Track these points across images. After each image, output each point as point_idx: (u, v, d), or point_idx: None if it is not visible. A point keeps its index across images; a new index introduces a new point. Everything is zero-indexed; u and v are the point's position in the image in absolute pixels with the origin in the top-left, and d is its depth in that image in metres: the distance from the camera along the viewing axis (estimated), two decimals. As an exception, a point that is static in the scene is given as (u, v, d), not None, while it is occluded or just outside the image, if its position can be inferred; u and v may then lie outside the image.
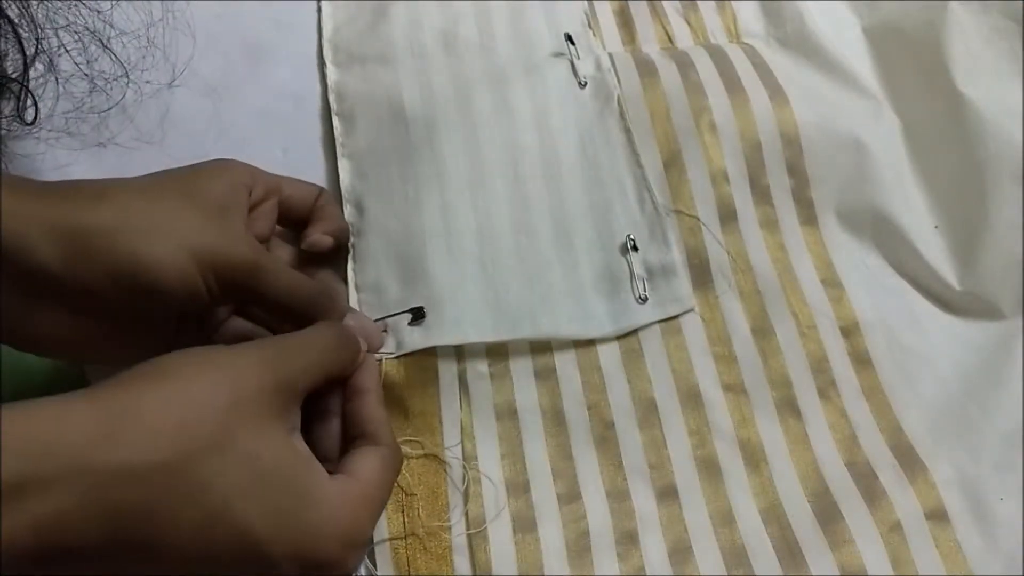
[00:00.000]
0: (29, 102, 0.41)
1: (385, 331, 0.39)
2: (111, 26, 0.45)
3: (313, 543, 0.28)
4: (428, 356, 0.40)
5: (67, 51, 0.43)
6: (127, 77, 0.45)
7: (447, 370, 0.40)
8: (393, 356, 0.39)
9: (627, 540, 0.37)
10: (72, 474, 0.24)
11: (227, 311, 0.37)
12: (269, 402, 0.29)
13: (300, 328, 0.35)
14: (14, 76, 0.40)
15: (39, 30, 0.42)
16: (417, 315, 0.40)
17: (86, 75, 0.44)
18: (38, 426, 0.24)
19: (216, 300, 0.33)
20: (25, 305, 0.31)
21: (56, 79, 0.43)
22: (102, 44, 0.44)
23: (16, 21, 0.40)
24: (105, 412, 0.25)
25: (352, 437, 0.33)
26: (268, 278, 0.34)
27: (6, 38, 0.39)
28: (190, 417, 0.27)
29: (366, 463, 0.32)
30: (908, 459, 0.40)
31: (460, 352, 0.40)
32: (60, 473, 0.24)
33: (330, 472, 0.31)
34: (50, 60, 0.42)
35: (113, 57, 0.44)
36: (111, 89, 0.45)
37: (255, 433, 0.28)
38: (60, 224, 0.30)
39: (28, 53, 0.40)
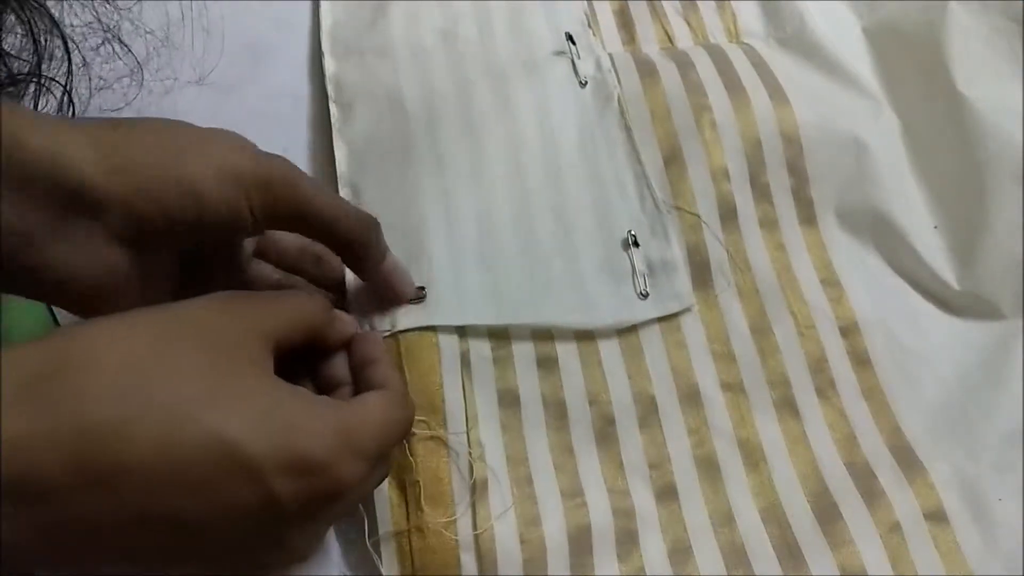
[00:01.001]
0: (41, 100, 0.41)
1: (422, 289, 0.39)
2: (137, 24, 0.45)
3: (299, 438, 0.26)
4: (429, 335, 0.38)
5: (95, 48, 0.43)
6: (142, 75, 0.45)
7: (449, 349, 0.38)
8: (387, 333, 0.38)
9: (627, 540, 0.37)
10: (18, 402, 0.24)
11: (250, 245, 0.37)
12: (224, 336, 0.28)
13: (343, 254, 0.35)
14: (50, 76, 0.40)
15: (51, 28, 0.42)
16: (416, 295, 0.39)
17: (103, 77, 0.44)
18: None
19: (257, 225, 0.32)
20: (57, 231, 0.29)
21: (70, 77, 0.43)
22: (120, 42, 0.44)
23: (53, 21, 0.39)
24: (50, 345, 0.25)
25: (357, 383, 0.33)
26: (310, 196, 0.33)
27: (43, 36, 0.39)
28: (136, 341, 0.26)
29: (366, 396, 0.31)
30: (907, 459, 0.40)
31: (462, 332, 0.39)
32: (6, 402, 0.23)
33: None
34: (71, 59, 0.42)
35: (133, 56, 0.45)
36: (117, 88, 0.45)
37: (211, 356, 0.27)
38: (103, 141, 0.29)
39: (50, 50, 0.40)
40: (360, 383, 0.33)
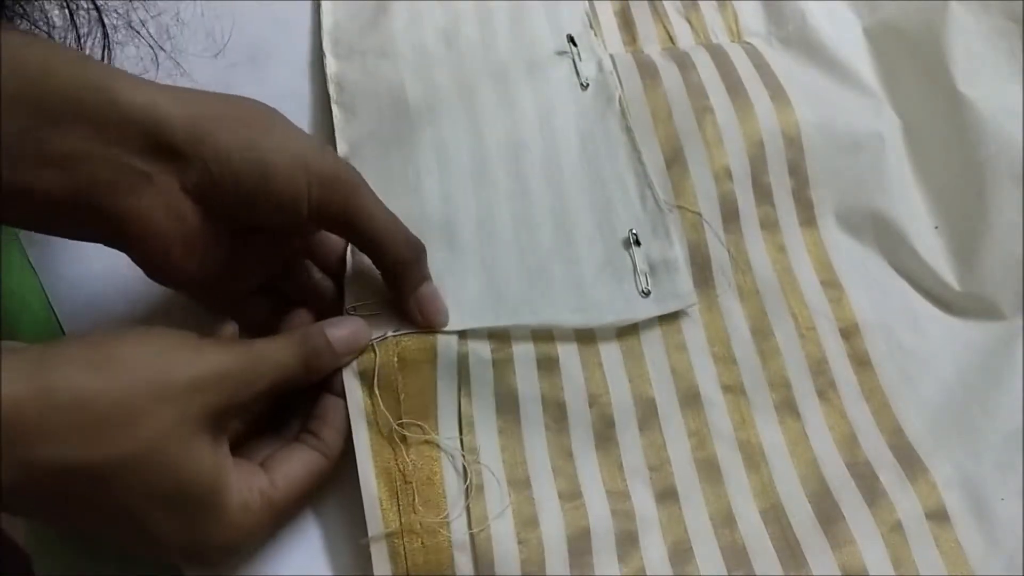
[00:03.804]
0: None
1: None
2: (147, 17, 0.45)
3: (201, 545, 0.31)
4: (427, 338, 0.38)
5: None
6: (157, 68, 0.45)
7: (447, 354, 0.38)
8: (382, 338, 0.38)
9: (627, 541, 0.37)
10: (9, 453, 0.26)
11: (299, 241, 0.39)
12: (205, 419, 0.30)
13: (385, 269, 0.37)
14: None
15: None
16: None
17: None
18: None
19: (311, 217, 0.34)
20: (142, 181, 0.31)
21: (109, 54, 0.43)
22: (136, 32, 0.43)
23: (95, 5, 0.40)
24: (41, 401, 0.27)
25: (306, 428, 0.35)
26: (367, 204, 0.35)
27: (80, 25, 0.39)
28: (122, 423, 0.28)
29: (291, 466, 0.34)
30: (908, 459, 0.40)
31: (462, 334, 0.39)
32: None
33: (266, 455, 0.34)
34: (108, 42, 0.42)
35: (149, 48, 0.45)
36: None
37: (182, 447, 0.30)
38: (193, 104, 0.32)
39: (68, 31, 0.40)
40: (311, 419, 0.36)
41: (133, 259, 0.34)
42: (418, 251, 0.37)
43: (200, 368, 0.30)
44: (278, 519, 0.34)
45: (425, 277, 0.38)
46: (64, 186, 0.30)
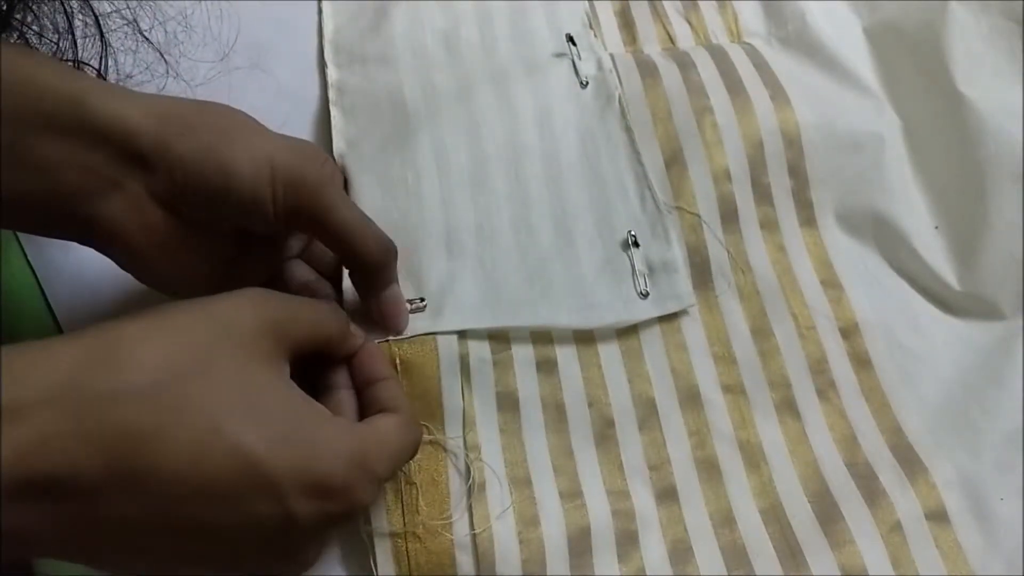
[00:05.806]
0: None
1: (422, 300, 0.39)
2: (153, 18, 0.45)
3: (315, 458, 0.28)
4: (428, 339, 0.38)
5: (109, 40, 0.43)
6: (166, 68, 0.45)
7: (448, 355, 0.38)
8: (386, 340, 0.38)
9: (627, 541, 0.37)
10: (53, 398, 0.24)
11: (296, 245, 0.39)
12: (255, 341, 0.29)
13: (354, 268, 0.37)
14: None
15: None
16: (416, 306, 0.39)
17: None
18: (16, 358, 0.25)
19: (279, 217, 0.34)
20: (113, 187, 0.32)
21: (104, 61, 0.43)
22: (141, 34, 0.44)
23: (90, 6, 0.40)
24: (89, 343, 0.26)
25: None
26: (335, 202, 0.34)
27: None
28: (173, 343, 0.27)
29: (379, 419, 0.32)
30: (908, 459, 0.40)
31: (462, 335, 0.39)
32: (40, 397, 0.24)
33: None
34: (104, 42, 0.42)
35: (153, 49, 0.45)
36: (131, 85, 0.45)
37: (243, 364, 0.28)
38: (161, 111, 0.32)
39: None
40: (368, 399, 0.34)
41: (115, 262, 0.34)
42: (388, 251, 0.37)
43: (232, 294, 0.30)
44: (389, 455, 0.31)
45: (392, 280, 0.38)
46: (37, 191, 0.31)
